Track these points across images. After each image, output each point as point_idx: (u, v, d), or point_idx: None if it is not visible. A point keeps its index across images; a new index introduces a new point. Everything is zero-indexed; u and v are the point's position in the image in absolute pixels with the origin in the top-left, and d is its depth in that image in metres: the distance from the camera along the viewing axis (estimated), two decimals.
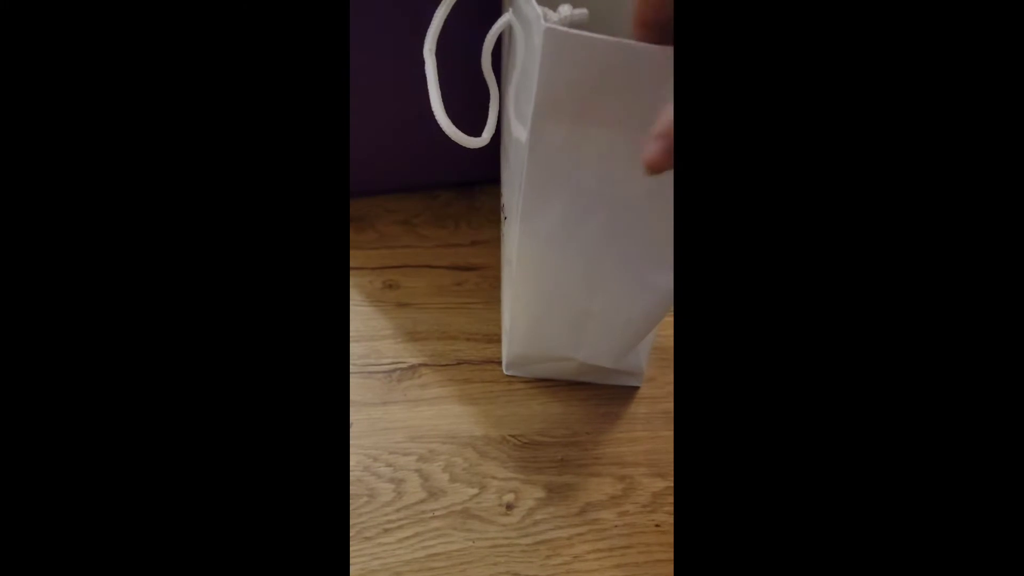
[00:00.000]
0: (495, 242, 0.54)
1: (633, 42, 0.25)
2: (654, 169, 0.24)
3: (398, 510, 0.39)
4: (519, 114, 0.32)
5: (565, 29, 0.25)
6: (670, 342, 0.48)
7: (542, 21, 0.25)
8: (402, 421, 0.43)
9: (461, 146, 0.33)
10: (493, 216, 0.56)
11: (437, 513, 0.39)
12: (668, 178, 0.30)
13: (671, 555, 0.38)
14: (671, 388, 0.46)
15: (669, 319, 0.49)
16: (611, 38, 0.25)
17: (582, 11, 0.27)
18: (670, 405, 0.45)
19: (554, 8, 0.29)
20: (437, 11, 0.31)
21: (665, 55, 0.25)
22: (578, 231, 0.33)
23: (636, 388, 0.46)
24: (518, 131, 0.32)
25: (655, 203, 0.31)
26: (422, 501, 0.40)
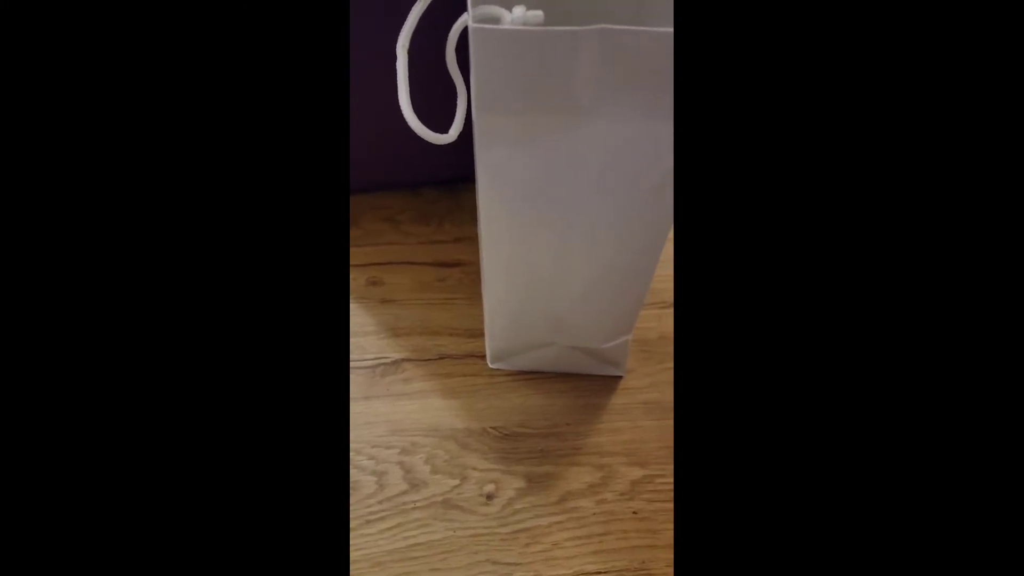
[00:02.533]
0: (477, 238, 0.55)
1: (560, 28, 0.26)
2: None
3: (380, 502, 0.40)
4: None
5: (490, 27, 0.26)
6: (651, 334, 0.49)
7: (470, 21, 0.26)
8: (385, 415, 0.44)
9: (445, 144, 0.33)
10: (475, 213, 0.57)
11: (418, 504, 0.40)
12: (621, 153, 0.31)
13: (648, 541, 0.39)
14: (651, 379, 0.46)
15: (647, 312, 0.50)
16: (534, 28, 0.26)
17: (536, 13, 0.28)
18: (649, 396, 0.46)
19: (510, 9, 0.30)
20: (413, 8, 0.32)
21: (594, 36, 0.26)
22: (540, 219, 0.34)
23: (617, 379, 0.46)
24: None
25: (611, 180, 0.32)
26: (404, 493, 0.40)
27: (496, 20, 0.28)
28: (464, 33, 0.33)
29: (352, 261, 0.53)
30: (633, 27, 0.26)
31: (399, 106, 0.32)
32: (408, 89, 0.31)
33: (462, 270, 0.53)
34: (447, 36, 0.33)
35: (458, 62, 0.34)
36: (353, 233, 0.55)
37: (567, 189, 0.32)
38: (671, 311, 0.50)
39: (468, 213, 0.57)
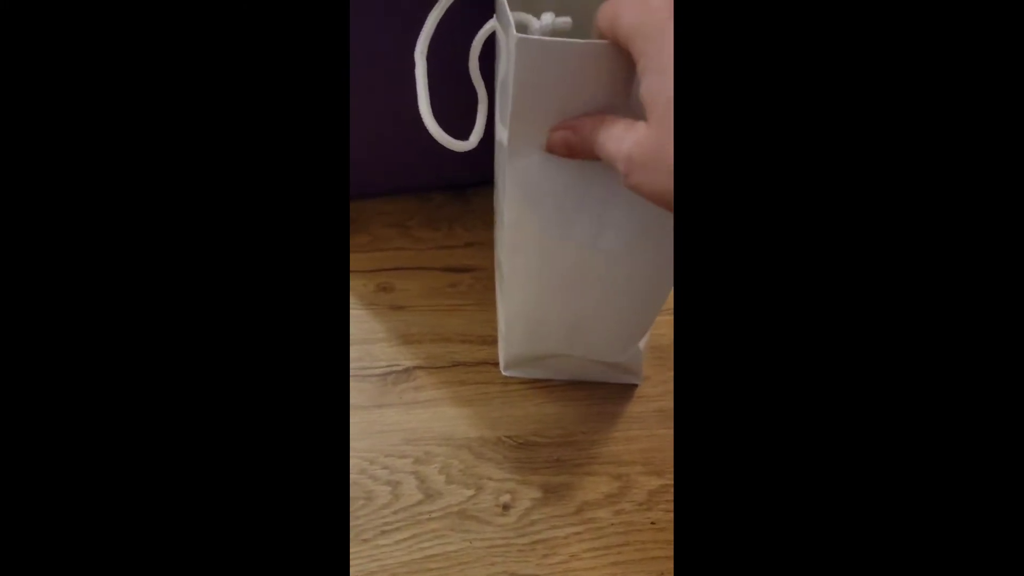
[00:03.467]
0: (489, 244, 0.54)
1: (601, 41, 0.25)
2: (547, 148, 0.29)
3: (395, 512, 0.39)
4: (502, 117, 0.32)
5: (535, 37, 0.25)
6: (665, 340, 0.48)
7: (513, 31, 0.26)
8: (398, 424, 0.43)
9: (462, 151, 0.33)
10: (486, 217, 0.56)
11: (434, 515, 0.39)
12: None
13: (667, 552, 0.38)
14: (666, 387, 0.46)
15: (661, 318, 0.49)
16: (580, 41, 0.25)
17: (565, 19, 0.28)
18: (665, 403, 0.45)
19: (538, 15, 0.29)
20: (431, 14, 0.31)
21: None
22: (567, 230, 0.33)
23: (632, 387, 0.46)
24: (501, 134, 0.32)
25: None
26: (419, 503, 0.40)
27: (524, 26, 0.28)
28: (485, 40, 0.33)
29: (362, 267, 0.52)
30: None
31: (407, 110, 0.31)
32: (428, 95, 0.31)
33: (473, 276, 0.52)
34: (451, 40, 0.33)
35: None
36: (362, 239, 0.54)
37: (597, 198, 0.32)
38: None
39: (478, 217, 0.56)
